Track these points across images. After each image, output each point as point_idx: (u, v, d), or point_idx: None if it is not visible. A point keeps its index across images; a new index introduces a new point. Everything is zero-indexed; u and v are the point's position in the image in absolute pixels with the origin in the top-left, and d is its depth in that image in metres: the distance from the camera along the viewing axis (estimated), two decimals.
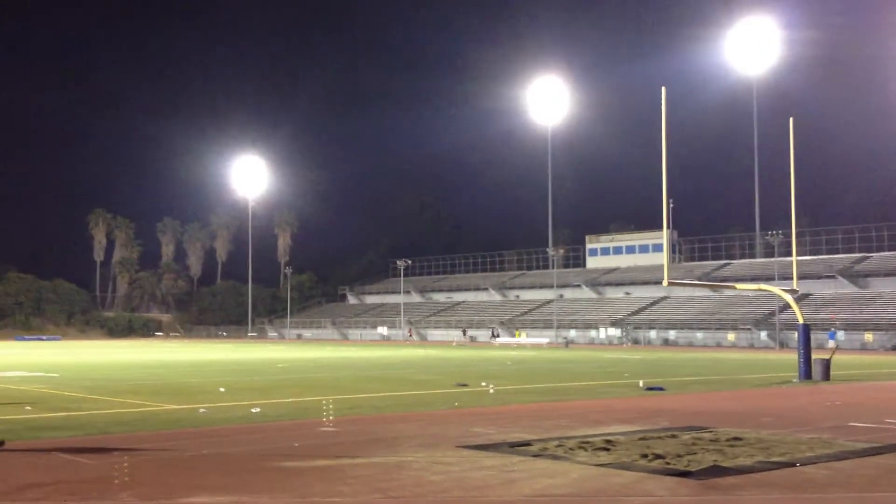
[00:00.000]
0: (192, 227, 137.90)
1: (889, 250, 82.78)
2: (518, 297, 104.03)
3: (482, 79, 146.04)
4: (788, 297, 31.33)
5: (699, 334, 75.25)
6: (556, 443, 12.29)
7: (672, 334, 77.31)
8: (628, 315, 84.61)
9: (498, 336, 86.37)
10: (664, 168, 26.07)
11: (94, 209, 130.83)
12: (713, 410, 17.56)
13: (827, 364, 26.96)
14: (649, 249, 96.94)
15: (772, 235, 75.06)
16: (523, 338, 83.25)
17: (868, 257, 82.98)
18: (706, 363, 40.88)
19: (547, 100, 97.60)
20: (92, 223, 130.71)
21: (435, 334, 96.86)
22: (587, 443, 12.21)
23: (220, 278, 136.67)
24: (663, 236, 28.46)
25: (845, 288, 77.65)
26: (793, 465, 10.54)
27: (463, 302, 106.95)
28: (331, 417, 15.47)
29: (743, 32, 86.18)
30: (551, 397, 20.98)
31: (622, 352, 58.70)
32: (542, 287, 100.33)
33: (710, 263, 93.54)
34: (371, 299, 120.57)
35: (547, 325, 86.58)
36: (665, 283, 27.62)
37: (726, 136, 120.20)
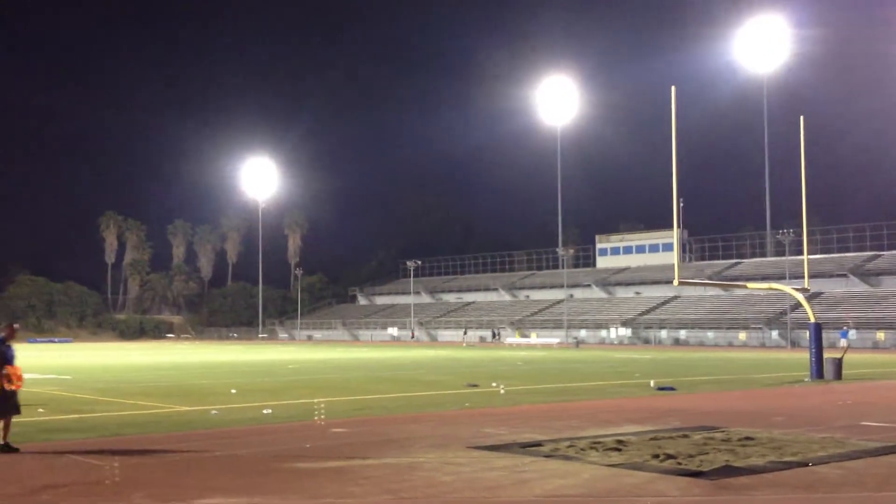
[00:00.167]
0: (203, 229, 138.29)
1: None
2: (528, 297, 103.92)
3: (491, 79, 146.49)
4: (800, 296, 31.22)
5: (710, 334, 75.04)
6: (568, 443, 12.29)
7: (683, 334, 77.10)
8: (639, 315, 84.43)
9: (499, 336, 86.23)
10: (674, 167, 26.02)
11: (106, 211, 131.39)
12: (724, 410, 17.52)
13: (839, 363, 26.85)
14: (659, 249, 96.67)
15: (782, 234, 74.76)
16: (523, 338, 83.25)
17: (879, 255, 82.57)
18: (717, 363, 40.77)
19: (556, 100, 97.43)
20: (103, 225, 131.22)
21: (445, 335, 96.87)
22: (598, 443, 12.20)
23: (230, 280, 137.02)
24: (674, 235, 28.43)
25: (857, 286, 77.30)
26: (805, 464, 10.51)
27: (473, 302, 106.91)
28: (323, 416, 15.54)
29: (752, 31, 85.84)
30: (562, 397, 20.96)
31: (633, 351, 58.60)
32: (552, 287, 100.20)
33: (721, 262, 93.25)
34: (381, 300, 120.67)
35: (557, 325, 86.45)
36: (675, 282, 27.58)
37: (736, 135, 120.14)
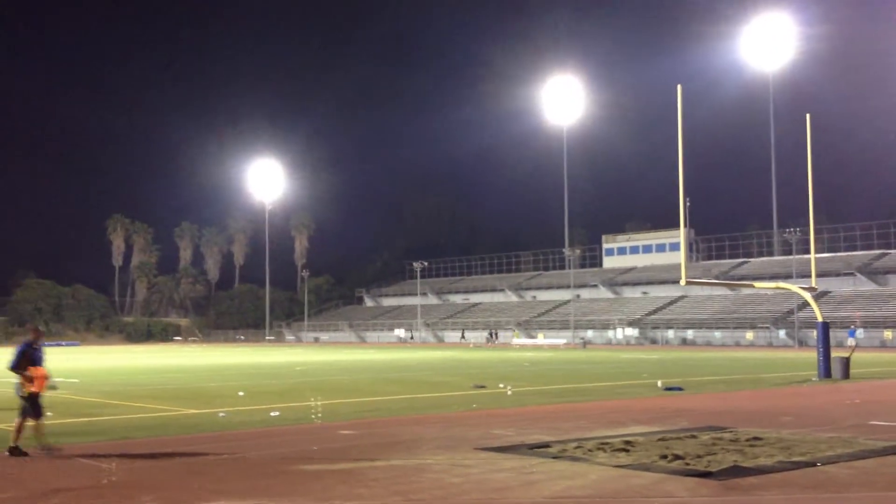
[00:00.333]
0: (210, 232, 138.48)
1: None
2: (535, 297, 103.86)
3: (497, 80, 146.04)
4: (807, 295, 31.15)
5: (717, 333, 74.89)
6: (576, 444, 12.28)
7: (690, 334, 76.97)
8: (646, 315, 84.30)
9: (496, 338, 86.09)
10: (680, 166, 25.98)
11: (113, 214, 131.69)
12: (732, 410, 17.49)
13: (846, 362, 26.78)
14: (666, 248, 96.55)
15: (789, 233, 74.54)
16: (524, 339, 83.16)
17: (887, 254, 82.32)
18: (724, 363, 40.70)
19: (562, 99, 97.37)
20: (110, 228, 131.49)
21: (452, 336, 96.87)
22: (606, 444, 12.19)
23: (237, 282, 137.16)
24: (680, 235, 28.39)
25: (864, 285, 77.08)
26: (813, 464, 10.49)
27: (479, 303, 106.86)
28: (319, 415, 15.55)
29: (758, 29, 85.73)
30: (569, 398, 20.95)
31: (640, 352, 58.51)
32: (558, 287, 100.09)
33: (728, 262, 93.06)
34: (388, 301, 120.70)
35: (564, 325, 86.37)
36: (682, 282, 27.54)
37: (742, 134, 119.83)
